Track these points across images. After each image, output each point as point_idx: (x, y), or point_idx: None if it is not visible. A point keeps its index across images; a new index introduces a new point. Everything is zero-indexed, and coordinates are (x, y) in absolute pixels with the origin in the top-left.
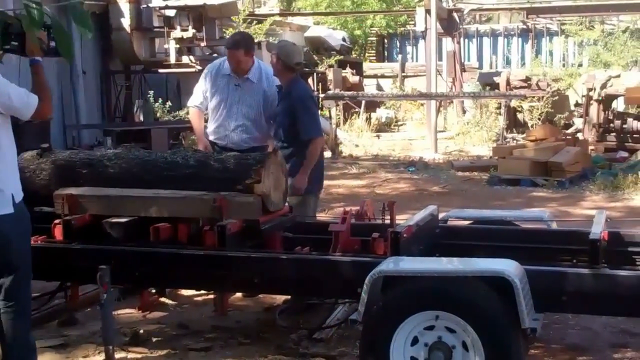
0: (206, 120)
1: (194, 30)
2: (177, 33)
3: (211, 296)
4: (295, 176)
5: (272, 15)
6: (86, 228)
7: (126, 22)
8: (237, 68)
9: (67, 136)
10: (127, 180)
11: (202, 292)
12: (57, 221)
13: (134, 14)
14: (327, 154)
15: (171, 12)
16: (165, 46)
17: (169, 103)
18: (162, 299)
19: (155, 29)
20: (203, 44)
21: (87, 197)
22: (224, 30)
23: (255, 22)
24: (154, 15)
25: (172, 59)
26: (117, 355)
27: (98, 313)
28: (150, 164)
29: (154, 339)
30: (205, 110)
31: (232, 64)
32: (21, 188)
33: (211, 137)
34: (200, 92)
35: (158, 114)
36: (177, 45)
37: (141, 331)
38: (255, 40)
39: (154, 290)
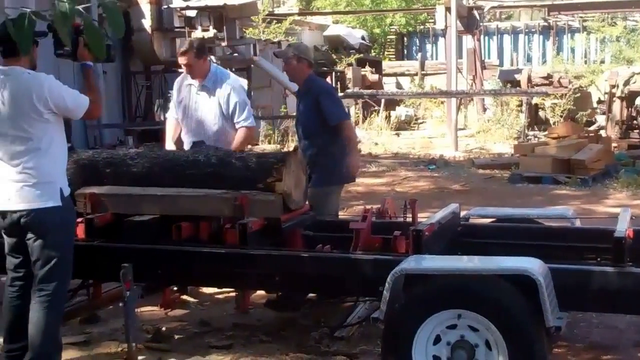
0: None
1: (214, 31)
2: (198, 33)
3: (232, 294)
4: (345, 163)
5: (292, 14)
6: (108, 226)
7: (147, 23)
8: (190, 71)
9: (89, 136)
10: (150, 179)
11: (224, 289)
12: (79, 220)
13: (154, 14)
14: None
15: (192, 13)
16: None
17: None
18: (184, 297)
19: (176, 30)
20: (224, 43)
21: (109, 195)
22: (244, 30)
23: (274, 21)
24: (175, 15)
25: None
26: (139, 352)
27: (120, 310)
28: (172, 162)
29: (176, 336)
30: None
31: (184, 69)
32: (68, 184)
33: (187, 146)
34: (172, 104)
35: None
36: None
37: (163, 328)
38: (275, 40)
39: (175, 288)
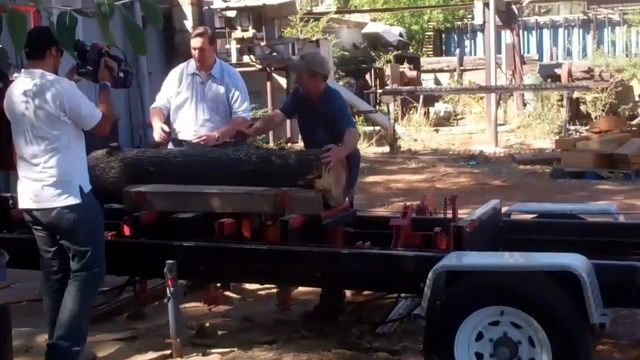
0: (167, 122)
1: (254, 30)
2: (237, 33)
3: (274, 290)
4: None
5: (329, 13)
6: (154, 224)
7: (189, 23)
8: (201, 57)
9: (135, 135)
10: (193, 177)
11: (266, 286)
12: (126, 217)
13: (196, 15)
14: (386, 148)
15: (232, 13)
16: (227, 46)
17: None
18: (227, 293)
19: (217, 30)
20: (263, 43)
21: (154, 193)
22: (282, 29)
23: (312, 20)
24: (215, 16)
25: (234, 59)
26: (184, 347)
27: (165, 307)
28: (215, 161)
29: (220, 332)
30: (166, 112)
31: (196, 53)
32: (89, 181)
33: (180, 135)
34: (164, 95)
35: None
36: (238, 45)
37: (207, 324)
38: (313, 39)
39: (219, 285)
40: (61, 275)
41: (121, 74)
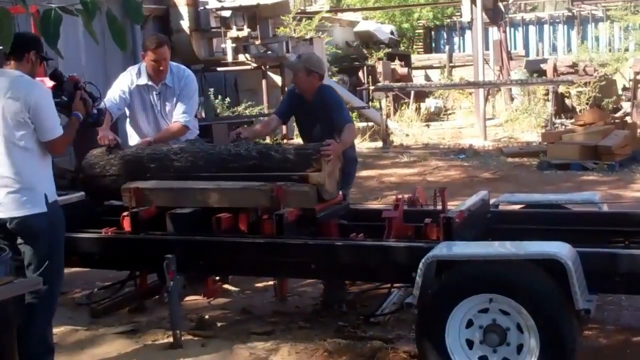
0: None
1: (248, 30)
2: (233, 33)
3: (271, 282)
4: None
5: (322, 12)
6: (152, 219)
7: (185, 24)
8: (164, 68)
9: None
10: (193, 172)
11: (263, 278)
12: (125, 213)
13: (192, 16)
14: (379, 143)
15: (227, 13)
16: (223, 45)
17: (227, 99)
18: (226, 286)
19: (213, 30)
20: (257, 42)
21: (152, 190)
22: (276, 28)
23: (305, 19)
24: (211, 16)
25: (229, 58)
26: (184, 339)
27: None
28: (215, 156)
29: (219, 324)
30: (113, 116)
31: (158, 65)
32: (55, 190)
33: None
34: (111, 97)
35: (218, 110)
36: (234, 44)
37: (206, 316)
38: (307, 37)
39: (217, 278)
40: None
41: (94, 111)
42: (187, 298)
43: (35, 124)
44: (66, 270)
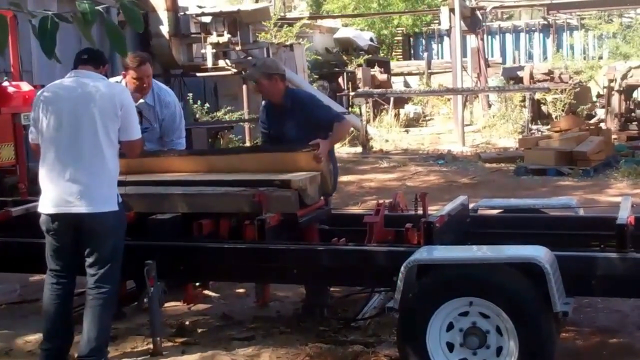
0: None
1: (229, 35)
2: (213, 38)
3: (252, 288)
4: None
5: (302, 18)
6: (132, 225)
7: (165, 29)
8: (147, 85)
9: None
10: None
11: (244, 284)
12: None
13: (172, 21)
14: (359, 149)
15: (207, 19)
16: (202, 51)
17: (207, 104)
18: (206, 292)
19: (193, 35)
20: (238, 47)
21: (132, 195)
22: (257, 34)
23: (286, 25)
24: (191, 22)
25: (209, 63)
26: (164, 345)
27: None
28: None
29: (199, 330)
30: None
31: (140, 82)
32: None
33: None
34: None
35: (197, 115)
36: (214, 50)
37: (187, 323)
38: (287, 43)
39: (197, 284)
40: (69, 282)
41: None
42: (167, 304)
43: (123, 123)
44: (41, 277)
